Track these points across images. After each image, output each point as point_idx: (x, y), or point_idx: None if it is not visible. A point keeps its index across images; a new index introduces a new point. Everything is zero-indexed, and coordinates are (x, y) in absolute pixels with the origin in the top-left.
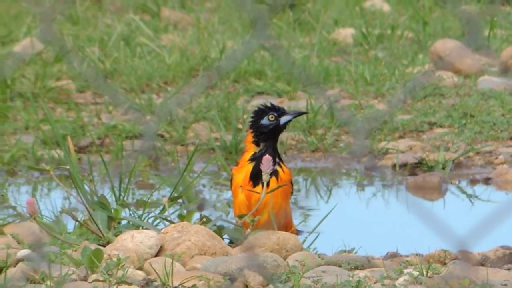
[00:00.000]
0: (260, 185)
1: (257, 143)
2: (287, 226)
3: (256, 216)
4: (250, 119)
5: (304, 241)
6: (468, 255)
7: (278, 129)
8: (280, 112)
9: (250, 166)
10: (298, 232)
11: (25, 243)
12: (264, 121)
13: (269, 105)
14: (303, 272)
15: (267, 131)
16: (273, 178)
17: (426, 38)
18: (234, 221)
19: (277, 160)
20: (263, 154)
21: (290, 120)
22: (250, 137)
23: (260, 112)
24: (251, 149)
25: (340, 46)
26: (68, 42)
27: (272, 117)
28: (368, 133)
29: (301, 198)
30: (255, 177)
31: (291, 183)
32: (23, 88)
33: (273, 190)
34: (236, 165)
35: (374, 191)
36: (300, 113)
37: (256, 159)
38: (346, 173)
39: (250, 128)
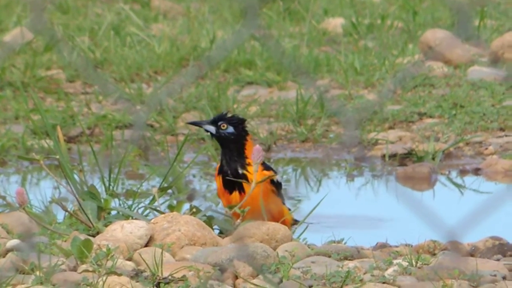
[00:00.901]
0: (236, 192)
1: None
2: (276, 219)
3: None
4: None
5: (293, 231)
6: (458, 246)
7: (214, 137)
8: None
9: (220, 177)
10: (295, 222)
11: (14, 233)
12: None
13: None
14: (292, 262)
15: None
16: (244, 182)
17: (416, 28)
18: (223, 211)
19: (238, 166)
20: (221, 165)
21: (207, 131)
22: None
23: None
24: None
25: (330, 36)
26: (58, 31)
27: None
28: (358, 124)
29: (291, 188)
30: (228, 185)
31: (273, 182)
32: (13, 78)
33: (263, 181)
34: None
35: (363, 181)
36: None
37: (221, 170)
38: (336, 163)
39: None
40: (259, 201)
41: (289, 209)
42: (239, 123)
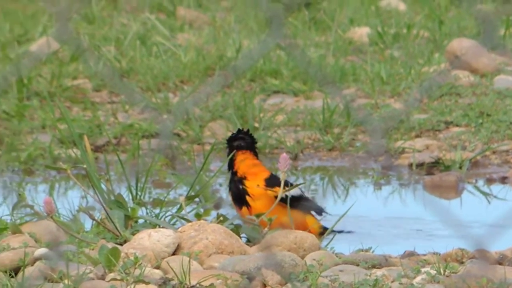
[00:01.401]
0: (245, 207)
1: None
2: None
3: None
4: (245, 142)
5: (321, 240)
6: (486, 254)
7: None
8: None
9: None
10: (324, 230)
11: (42, 242)
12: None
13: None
14: (320, 271)
15: None
16: (247, 196)
17: (442, 37)
18: (251, 220)
19: (238, 182)
20: (230, 181)
21: None
22: (251, 157)
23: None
24: None
25: (355, 45)
26: (84, 41)
27: None
28: (384, 132)
29: (319, 197)
30: (237, 201)
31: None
32: (39, 87)
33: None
34: None
35: (391, 190)
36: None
37: (229, 187)
38: (363, 172)
39: (246, 149)
40: (265, 211)
41: (316, 219)
42: (229, 140)
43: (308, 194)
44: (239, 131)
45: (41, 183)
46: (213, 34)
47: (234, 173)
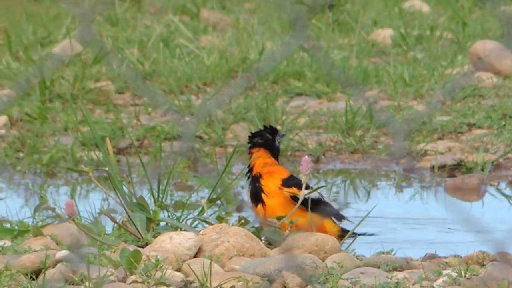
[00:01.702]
0: (260, 205)
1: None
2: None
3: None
4: (262, 139)
5: (342, 242)
6: (507, 257)
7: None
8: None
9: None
10: (343, 232)
11: (63, 244)
12: (276, 143)
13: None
14: (341, 273)
15: (277, 151)
16: (264, 195)
17: (466, 39)
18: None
19: (254, 178)
20: (251, 179)
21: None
22: (265, 156)
23: (274, 132)
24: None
25: (379, 47)
26: (107, 43)
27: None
28: (407, 135)
29: (340, 200)
30: (253, 199)
31: (294, 198)
32: (62, 90)
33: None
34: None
35: (413, 192)
36: None
37: (252, 183)
38: (385, 174)
39: (260, 146)
40: (276, 213)
41: (335, 222)
42: (251, 136)
43: (328, 198)
44: (265, 128)
45: (63, 186)
46: (236, 36)
47: (251, 170)
